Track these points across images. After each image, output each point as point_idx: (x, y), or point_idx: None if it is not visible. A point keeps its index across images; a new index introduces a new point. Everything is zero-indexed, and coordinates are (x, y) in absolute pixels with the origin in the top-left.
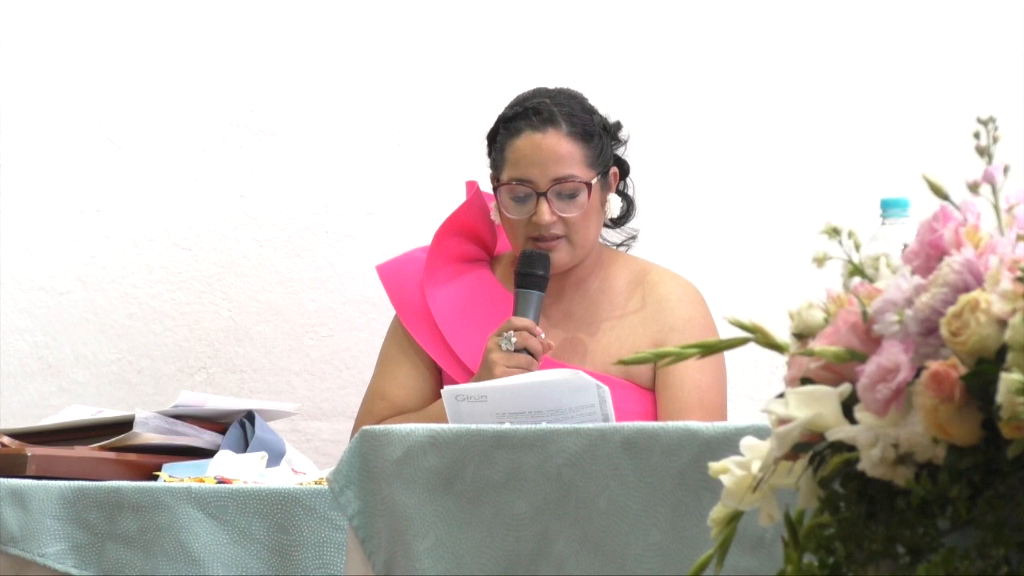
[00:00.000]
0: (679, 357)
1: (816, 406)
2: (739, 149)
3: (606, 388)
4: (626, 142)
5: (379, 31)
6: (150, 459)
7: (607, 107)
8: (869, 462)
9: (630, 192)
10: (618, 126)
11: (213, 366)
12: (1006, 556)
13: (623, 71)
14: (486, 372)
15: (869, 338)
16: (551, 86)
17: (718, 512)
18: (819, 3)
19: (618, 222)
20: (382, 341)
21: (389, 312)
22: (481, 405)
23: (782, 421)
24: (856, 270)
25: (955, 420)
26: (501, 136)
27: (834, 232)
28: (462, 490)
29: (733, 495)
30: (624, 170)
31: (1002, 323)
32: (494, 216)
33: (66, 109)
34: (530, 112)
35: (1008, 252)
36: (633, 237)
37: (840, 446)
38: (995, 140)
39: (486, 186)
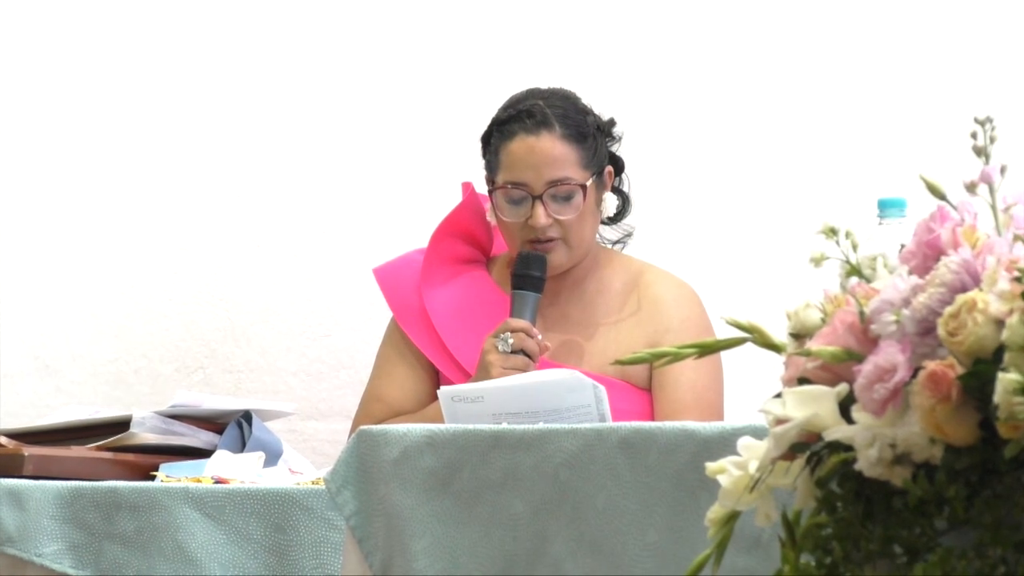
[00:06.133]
0: (676, 357)
1: (813, 406)
2: (736, 148)
3: (602, 388)
4: (620, 139)
5: (375, 32)
6: (147, 459)
7: (603, 105)
8: (866, 462)
9: (625, 188)
10: (612, 123)
11: (210, 366)
12: (1003, 556)
13: (619, 69)
14: (483, 373)
15: (866, 338)
16: (544, 87)
17: (715, 512)
18: (817, 3)
19: (614, 219)
20: (379, 342)
21: (386, 312)
22: (477, 406)
23: (779, 421)
24: (853, 270)
25: (952, 420)
26: (495, 139)
27: (831, 232)
28: (459, 490)
29: (730, 495)
30: (619, 167)
31: (999, 323)
32: (490, 217)
33: (63, 108)
34: (523, 115)
35: (1005, 252)
36: (629, 235)
37: (837, 446)
38: (992, 140)
39: (481, 187)
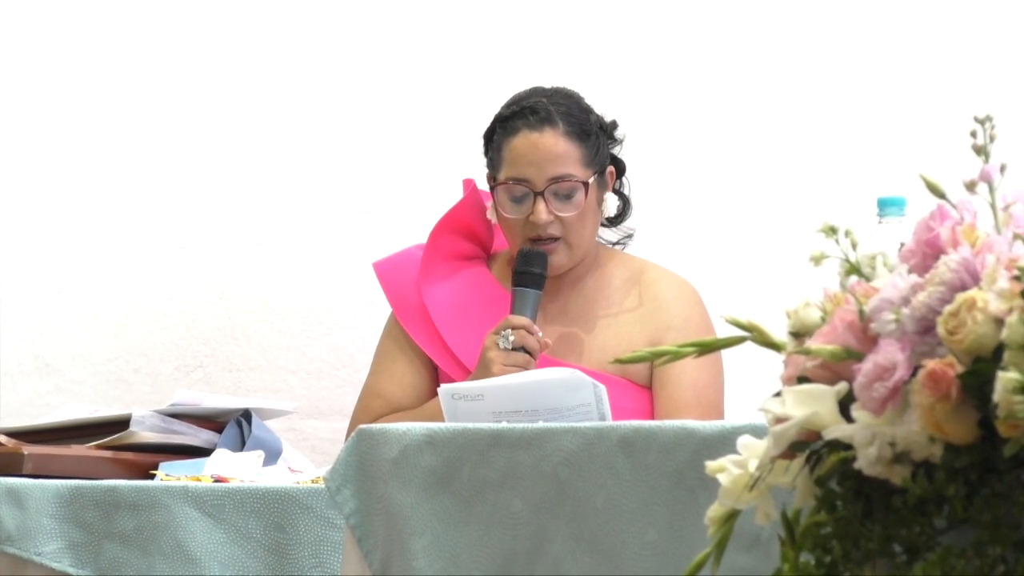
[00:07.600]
0: (676, 356)
1: (813, 405)
2: (736, 148)
3: (602, 387)
4: (622, 141)
5: (374, 30)
6: (147, 458)
7: (604, 106)
8: (866, 461)
9: (626, 191)
10: (614, 125)
11: (210, 365)
12: (1002, 555)
13: (620, 70)
14: (483, 370)
15: (866, 337)
16: (547, 85)
17: (715, 511)
18: (817, 3)
19: (614, 221)
20: (378, 340)
21: (386, 310)
22: (477, 404)
23: (779, 420)
24: (853, 269)
25: (952, 419)
26: (498, 135)
27: (831, 231)
28: (459, 489)
29: (730, 494)
30: (620, 169)
31: (999, 322)
32: (490, 215)
33: (63, 108)
34: (527, 111)
35: (1005, 251)
36: (629, 236)
37: (837, 445)
38: (992, 139)
39: (482, 184)
